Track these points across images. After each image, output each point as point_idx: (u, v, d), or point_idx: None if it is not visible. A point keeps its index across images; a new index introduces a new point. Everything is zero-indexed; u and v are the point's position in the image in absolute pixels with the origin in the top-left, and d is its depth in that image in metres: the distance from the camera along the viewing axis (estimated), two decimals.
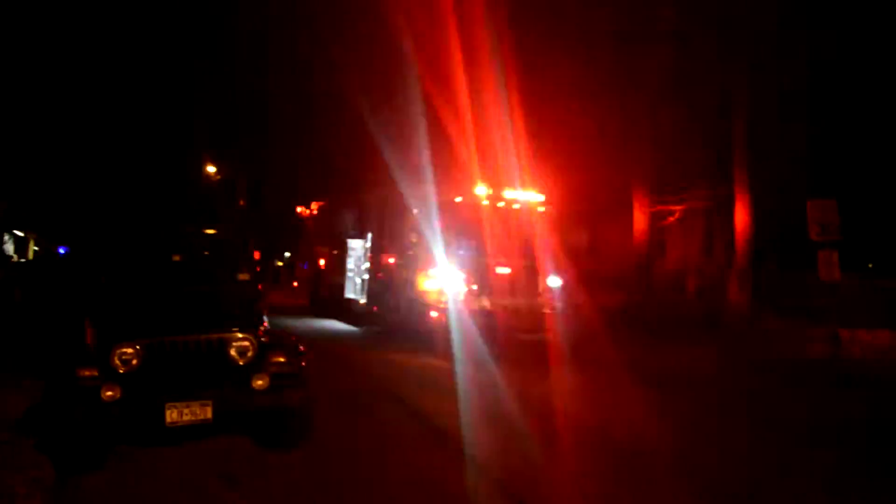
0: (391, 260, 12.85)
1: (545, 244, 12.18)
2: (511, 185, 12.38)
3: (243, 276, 6.89)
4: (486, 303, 11.22)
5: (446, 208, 11.66)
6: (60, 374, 5.11)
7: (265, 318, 6.08)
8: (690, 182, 16.74)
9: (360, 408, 7.27)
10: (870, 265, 19.83)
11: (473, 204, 11.84)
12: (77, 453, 5.02)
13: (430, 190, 12.09)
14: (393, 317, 12.73)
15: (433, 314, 11.23)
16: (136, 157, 22.90)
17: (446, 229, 11.69)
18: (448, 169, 12.87)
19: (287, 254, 44.61)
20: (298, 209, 18.97)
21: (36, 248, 26.72)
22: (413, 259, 12.03)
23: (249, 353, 5.38)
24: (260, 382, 5.28)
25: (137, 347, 5.10)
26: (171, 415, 5.02)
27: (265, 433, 5.63)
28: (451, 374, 9.12)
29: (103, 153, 22.12)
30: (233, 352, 5.36)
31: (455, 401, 7.43)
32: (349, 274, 14.99)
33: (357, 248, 14.86)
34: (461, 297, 11.15)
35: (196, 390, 5.11)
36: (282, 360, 5.46)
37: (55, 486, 4.70)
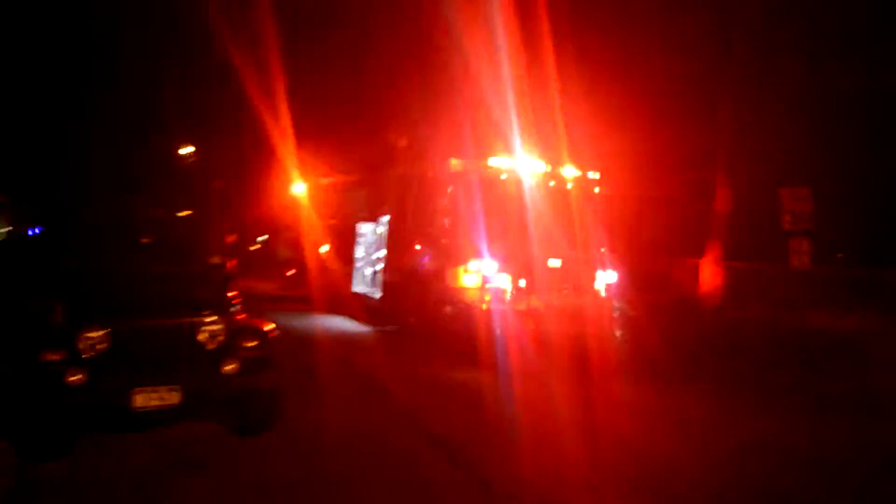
0: (416, 248, 10.63)
1: (601, 231, 10.01)
2: (563, 161, 10.24)
3: (214, 259, 6.92)
4: (536, 302, 9.13)
5: (489, 187, 9.71)
6: (24, 358, 5.03)
7: (237, 302, 6.07)
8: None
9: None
10: (839, 255, 19.08)
11: (521, 182, 9.69)
12: (40, 439, 4.98)
13: (471, 166, 9.90)
14: (416, 317, 10.96)
15: (473, 315, 9.04)
16: (107, 137, 22.77)
17: (489, 212, 10.02)
18: (490, 141, 10.69)
19: (262, 237, 42.58)
20: (296, 189, 16.72)
21: (10, 229, 24.62)
22: (446, 248, 9.87)
23: (219, 338, 5.40)
24: (230, 367, 5.31)
25: (104, 331, 5.10)
26: (139, 400, 5.03)
27: (235, 419, 5.66)
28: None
29: (73, 132, 22.16)
30: (202, 336, 5.39)
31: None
32: (358, 264, 13.37)
33: (368, 234, 13.22)
34: (508, 295, 9.03)
35: (164, 375, 5.12)
36: (253, 344, 5.49)
37: (17, 472, 4.67)
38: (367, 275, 12.89)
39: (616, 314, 10.27)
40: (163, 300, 5.63)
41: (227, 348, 5.33)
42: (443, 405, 7.20)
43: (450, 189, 10.48)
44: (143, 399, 5.01)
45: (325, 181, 15.96)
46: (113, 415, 5.05)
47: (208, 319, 5.39)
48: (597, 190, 10.76)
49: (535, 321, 9.51)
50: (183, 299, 5.70)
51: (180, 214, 7.64)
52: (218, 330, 5.38)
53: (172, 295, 5.77)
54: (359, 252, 13.25)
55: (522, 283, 9.71)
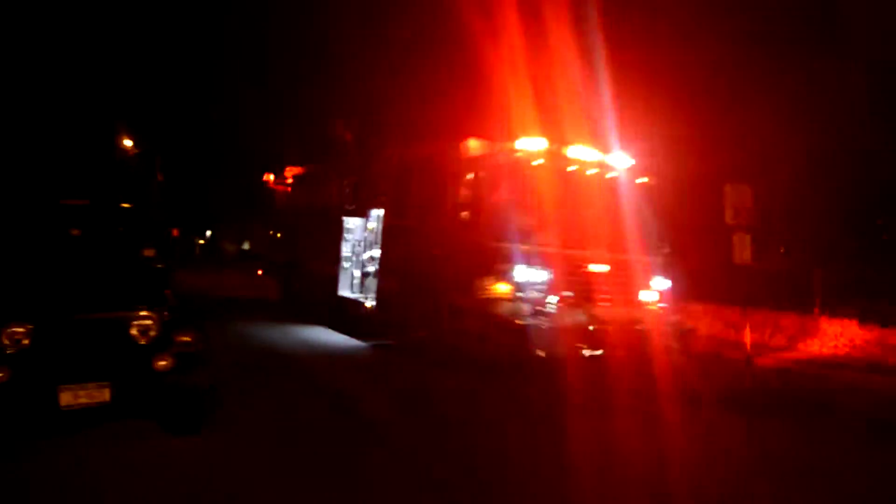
0: (423, 249, 8.66)
1: (647, 230, 8.86)
2: (610, 146, 8.45)
3: (148, 252, 6.69)
4: (582, 316, 7.30)
5: (519, 175, 8.31)
6: None
7: (170, 296, 5.83)
8: None
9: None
10: (781, 249, 18.72)
11: (558, 169, 7.83)
12: None
13: (495, 149, 7.94)
14: (424, 331, 9.19)
15: (505, 332, 7.53)
16: (40, 123, 22.49)
17: (520, 206, 8.31)
18: (518, 120, 8.79)
19: (208, 232, 41.76)
20: (267, 177, 15.32)
21: None
22: (467, 250, 8.19)
23: (152, 333, 5.24)
24: (163, 363, 5.11)
25: (29, 326, 4.94)
26: (66, 397, 4.83)
27: (169, 417, 5.43)
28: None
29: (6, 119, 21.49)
30: (134, 331, 5.21)
31: None
32: (345, 264, 11.64)
33: (356, 229, 11.59)
34: (551, 307, 7.17)
35: (93, 372, 4.93)
36: (187, 339, 5.30)
37: None
38: (356, 277, 11.31)
39: (671, 327, 8.47)
40: (92, 294, 5.53)
41: (160, 343, 5.21)
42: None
43: (469, 176, 8.49)
44: (71, 397, 4.85)
45: (300, 168, 13.77)
46: (38, 414, 4.90)
47: (140, 314, 5.27)
48: (641, 181, 8.94)
49: (582, 339, 7.61)
50: (114, 293, 5.62)
51: (114, 205, 7.23)
52: (150, 324, 5.26)
53: (102, 288, 5.68)
54: (346, 250, 11.61)
55: (564, 292, 7.80)
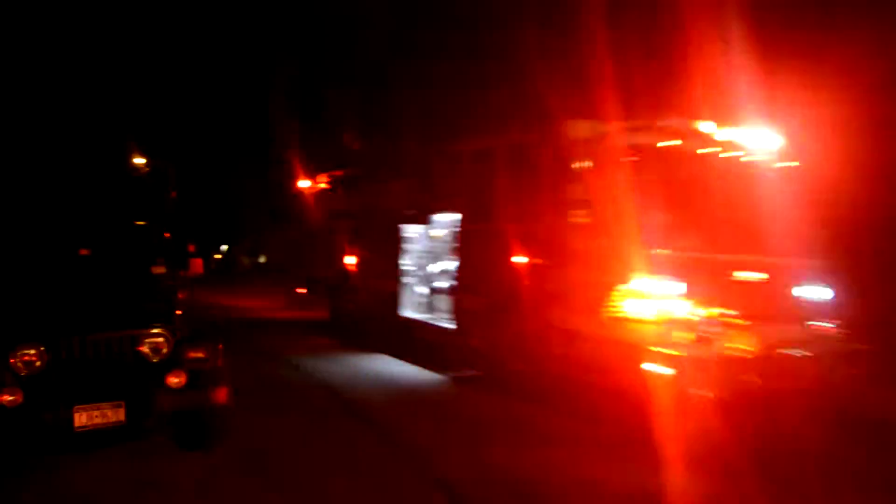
0: (517, 257, 7.45)
1: (805, 227, 6.80)
2: (746, 123, 6.76)
3: (158, 269, 6.68)
4: (750, 341, 5.52)
5: (648, 161, 6.61)
6: None
7: (182, 312, 5.82)
8: None
9: None
10: None
11: (695, 153, 6.06)
12: None
13: (616, 130, 6.80)
14: (522, 362, 7.50)
15: (652, 365, 5.97)
16: (49, 141, 21.39)
17: (650, 202, 6.53)
18: (637, 93, 7.04)
19: (224, 246, 44.43)
20: (301, 184, 13.93)
21: None
22: (579, 256, 6.79)
23: (164, 350, 5.25)
24: (175, 380, 5.15)
25: (41, 348, 4.98)
26: (80, 419, 4.86)
27: (185, 434, 5.53)
28: None
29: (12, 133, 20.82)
30: (146, 348, 5.24)
31: None
32: (407, 279, 10.13)
33: (418, 238, 10.14)
34: (710, 330, 5.35)
35: (106, 391, 4.98)
36: (200, 355, 5.30)
37: None
38: (422, 294, 9.99)
39: (844, 350, 6.64)
40: (103, 312, 5.50)
41: (172, 360, 5.20)
42: None
43: (582, 166, 6.73)
44: (86, 418, 4.85)
45: (343, 172, 12.10)
46: (54, 436, 4.91)
47: (151, 331, 5.27)
48: (780, 166, 7.17)
49: (753, 371, 5.81)
50: (125, 311, 5.58)
51: (126, 223, 6.82)
52: (161, 342, 5.24)
53: (114, 307, 5.66)
54: (407, 262, 10.18)
55: (722, 309, 6.02)
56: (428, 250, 9.91)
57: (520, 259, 7.67)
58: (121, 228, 7.03)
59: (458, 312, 8.70)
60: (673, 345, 6.14)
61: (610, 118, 7.34)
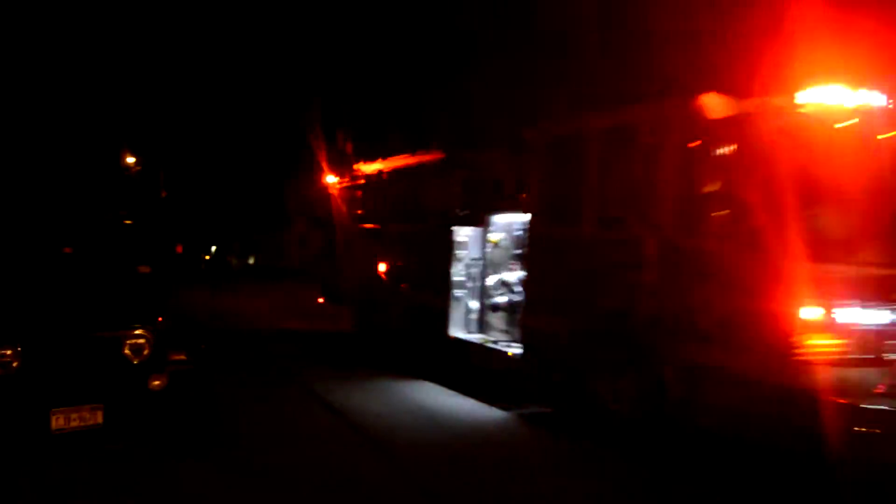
0: (617, 269, 5.91)
1: None
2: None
3: (143, 269, 6.65)
4: None
5: (811, 148, 5.15)
6: None
7: (165, 314, 5.75)
8: None
9: None
10: None
11: (867, 137, 4.47)
12: None
13: (764, 107, 5.25)
14: (623, 402, 5.82)
15: (839, 421, 4.40)
16: (41, 139, 22.35)
17: (818, 198, 5.01)
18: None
19: (213, 247, 43.86)
20: (326, 180, 12.33)
21: None
22: (717, 270, 5.18)
23: (145, 352, 5.24)
24: (157, 383, 5.17)
25: (17, 348, 4.98)
26: (57, 421, 4.87)
27: (166, 438, 5.48)
28: None
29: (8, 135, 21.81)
30: (127, 350, 5.23)
31: None
32: (457, 292, 8.62)
33: (471, 243, 8.55)
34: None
35: (85, 393, 5.01)
36: (181, 357, 5.34)
37: None
38: (476, 310, 8.52)
39: None
40: (84, 312, 5.52)
41: (154, 362, 5.22)
42: None
43: (721, 152, 5.18)
44: (63, 420, 4.84)
45: (378, 163, 10.55)
46: (30, 437, 4.93)
47: (133, 332, 5.27)
48: None
49: None
50: (106, 311, 5.61)
51: (113, 221, 6.88)
52: (143, 343, 5.23)
53: (95, 307, 5.65)
54: (458, 272, 8.70)
55: None
56: (483, 258, 8.48)
57: (615, 271, 6.00)
58: (107, 227, 7.06)
59: (526, 334, 7.26)
60: (870, 396, 4.54)
61: (740, 95, 5.82)
